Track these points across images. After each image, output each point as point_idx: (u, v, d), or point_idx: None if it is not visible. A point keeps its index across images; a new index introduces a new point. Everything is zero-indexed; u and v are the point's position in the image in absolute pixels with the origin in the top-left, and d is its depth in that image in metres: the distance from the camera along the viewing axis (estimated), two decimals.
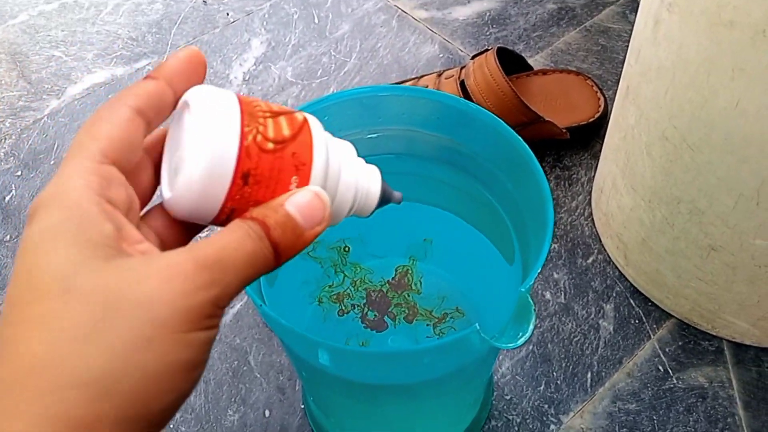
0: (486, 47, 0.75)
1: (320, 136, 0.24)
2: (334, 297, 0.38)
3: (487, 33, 0.77)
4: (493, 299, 0.36)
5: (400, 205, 0.27)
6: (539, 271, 0.30)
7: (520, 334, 0.29)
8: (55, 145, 0.68)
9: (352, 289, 0.38)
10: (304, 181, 0.23)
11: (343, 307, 0.37)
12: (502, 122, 0.35)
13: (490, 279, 0.37)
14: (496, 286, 0.37)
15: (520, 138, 0.35)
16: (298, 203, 0.23)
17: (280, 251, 0.22)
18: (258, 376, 0.52)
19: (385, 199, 0.27)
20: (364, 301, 0.37)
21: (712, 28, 0.36)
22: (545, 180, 0.33)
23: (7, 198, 0.64)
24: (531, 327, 0.29)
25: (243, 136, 0.22)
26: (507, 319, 0.30)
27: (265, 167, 0.23)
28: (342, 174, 0.25)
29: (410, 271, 0.38)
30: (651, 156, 0.46)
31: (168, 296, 0.19)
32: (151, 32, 0.78)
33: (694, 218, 0.45)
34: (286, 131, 0.23)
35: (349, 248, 0.40)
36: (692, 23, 0.38)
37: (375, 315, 0.36)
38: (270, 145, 0.23)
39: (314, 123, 0.25)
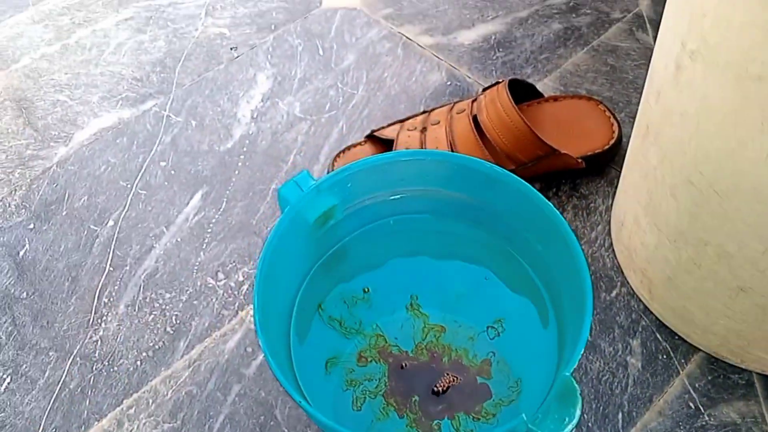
0: (493, 72, 0.74)
1: None
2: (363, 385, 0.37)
3: (494, 57, 0.76)
4: (530, 365, 0.36)
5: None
6: (581, 352, 0.29)
7: (567, 419, 0.28)
8: (66, 195, 0.67)
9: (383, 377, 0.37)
10: None
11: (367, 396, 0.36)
12: (530, 186, 0.35)
13: (527, 341, 0.37)
14: (533, 351, 0.36)
15: (549, 203, 0.34)
16: None
17: None
18: (286, 430, 0.52)
19: None
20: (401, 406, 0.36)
21: (740, 81, 0.35)
22: (579, 248, 0.33)
23: (21, 253, 0.63)
24: (578, 412, 0.28)
25: None
26: (549, 401, 0.30)
27: None
28: None
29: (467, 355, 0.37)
30: (676, 198, 0.45)
31: None
32: (155, 71, 0.77)
33: (723, 261, 0.45)
34: None
35: (368, 290, 0.40)
36: (717, 75, 0.37)
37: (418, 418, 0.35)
38: None
39: None
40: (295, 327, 0.37)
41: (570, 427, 0.28)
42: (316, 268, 0.39)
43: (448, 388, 0.35)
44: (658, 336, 0.54)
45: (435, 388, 0.36)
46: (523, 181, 0.35)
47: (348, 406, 0.36)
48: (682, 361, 0.53)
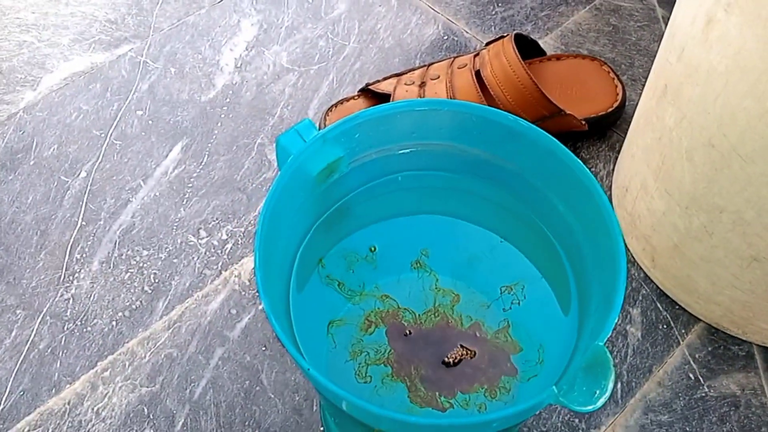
0: (492, 27, 0.71)
1: None
2: (361, 352, 0.34)
3: (493, 12, 0.72)
4: (550, 336, 0.33)
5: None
6: (616, 320, 0.27)
7: (598, 392, 0.26)
8: (34, 143, 0.62)
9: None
10: None
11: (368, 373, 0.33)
12: (557, 142, 0.32)
13: (545, 310, 0.34)
14: (552, 320, 0.34)
15: (578, 161, 0.32)
16: None
17: None
18: (272, 396, 0.49)
19: None
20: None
21: None
22: (609, 206, 0.30)
23: None
24: (610, 385, 0.26)
25: None
26: (573, 371, 0.28)
27: None
28: None
29: (481, 324, 0.35)
30: (692, 162, 0.43)
31: None
32: (131, 13, 0.72)
33: (738, 228, 0.43)
34: None
35: (375, 248, 0.37)
36: (757, 28, 0.34)
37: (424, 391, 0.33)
38: None
39: None
40: (294, 288, 0.34)
41: (602, 400, 0.26)
42: (317, 225, 0.36)
43: (460, 360, 0.33)
44: (658, 305, 0.53)
45: (446, 360, 0.33)
46: (551, 137, 0.32)
47: (350, 374, 0.33)
48: (683, 331, 0.52)
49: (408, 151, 0.36)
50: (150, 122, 0.64)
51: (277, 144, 0.34)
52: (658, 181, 0.48)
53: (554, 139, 0.32)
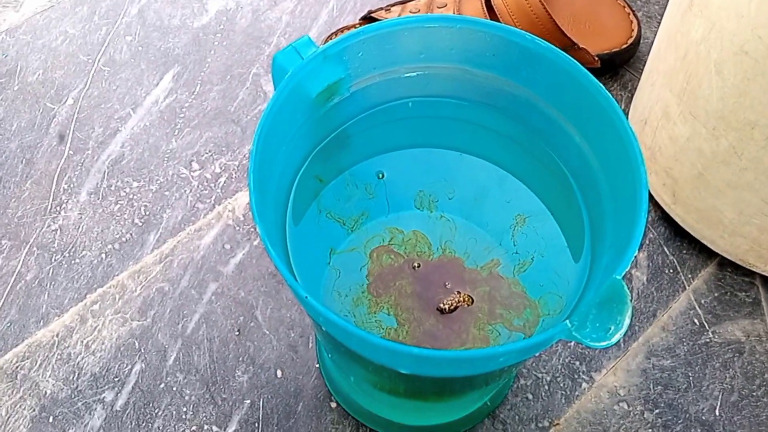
0: None
1: None
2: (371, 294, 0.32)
3: None
4: (560, 275, 0.32)
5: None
6: (635, 253, 0.25)
7: (612, 327, 0.25)
8: (18, 67, 0.59)
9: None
10: None
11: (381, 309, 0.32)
12: (578, 65, 0.30)
13: (555, 248, 0.32)
14: (563, 260, 0.32)
15: (601, 86, 0.29)
16: None
17: None
18: (267, 332, 0.48)
19: None
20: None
21: None
22: (632, 135, 0.28)
23: None
24: (626, 321, 0.25)
25: None
26: (586, 306, 0.26)
27: None
28: None
29: (496, 263, 0.33)
30: (721, 75, 0.41)
31: None
32: None
33: None
34: None
35: (383, 175, 0.35)
36: None
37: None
38: None
39: None
40: (291, 218, 0.32)
41: (617, 336, 0.24)
42: (315, 152, 0.34)
43: (456, 307, 0.31)
44: (665, 249, 0.52)
45: (440, 306, 0.32)
46: (572, 59, 0.29)
47: (347, 308, 0.32)
48: (689, 276, 0.51)
49: (415, 74, 0.34)
50: (140, 48, 0.61)
51: (273, 62, 0.32)
52: (681, 104, 0.45)
53: (575, 61, 0.30)
